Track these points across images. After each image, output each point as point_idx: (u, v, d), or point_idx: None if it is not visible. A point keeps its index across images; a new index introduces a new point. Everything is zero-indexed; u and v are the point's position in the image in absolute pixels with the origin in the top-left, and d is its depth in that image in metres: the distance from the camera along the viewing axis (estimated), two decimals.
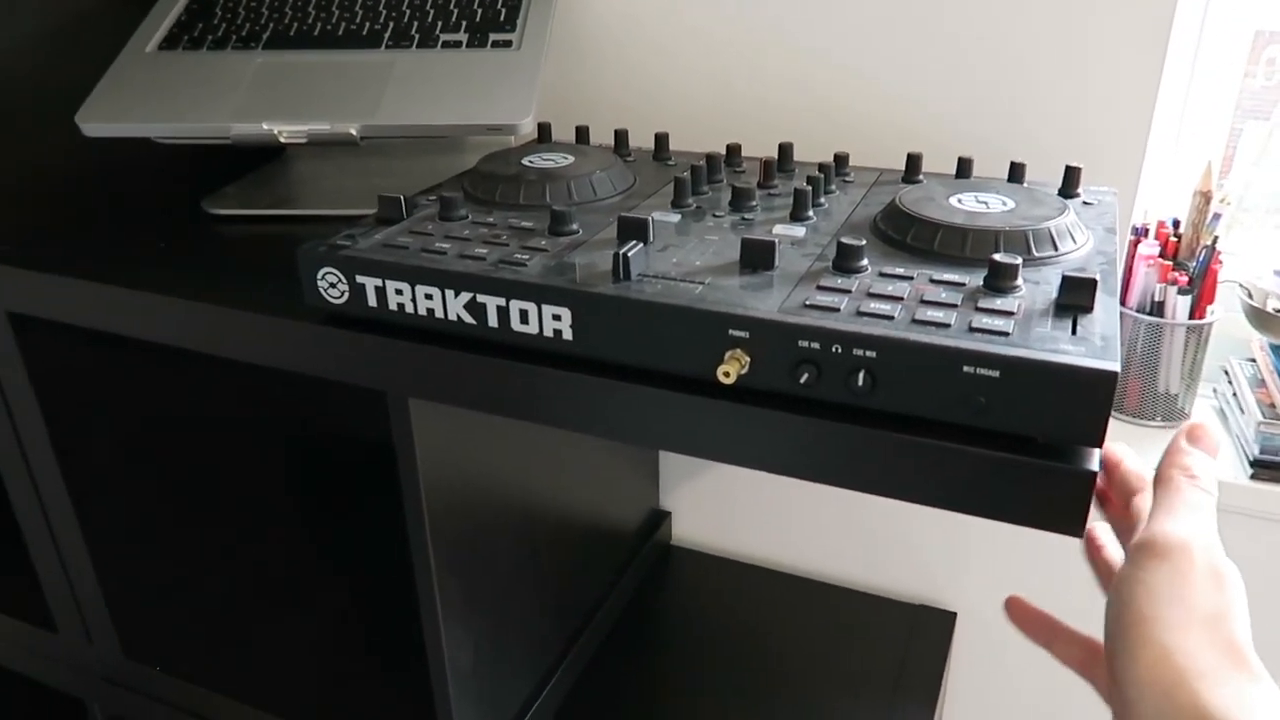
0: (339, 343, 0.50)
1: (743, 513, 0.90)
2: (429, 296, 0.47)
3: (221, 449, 0.83)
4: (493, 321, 0.46)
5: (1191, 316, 0.72)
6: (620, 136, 0.66)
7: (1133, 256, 0.73)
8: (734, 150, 0.63)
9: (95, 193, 0.70)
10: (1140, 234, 0.74)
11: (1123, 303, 0.74)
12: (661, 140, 0.64)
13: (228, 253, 0.61)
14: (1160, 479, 0.37)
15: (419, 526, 0.55)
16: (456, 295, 0.46)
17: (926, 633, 0.82)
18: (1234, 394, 0.75)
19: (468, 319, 0.47)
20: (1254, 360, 0.76)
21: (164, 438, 0.77)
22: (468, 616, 0.60)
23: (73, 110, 0.67)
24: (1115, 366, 0.36)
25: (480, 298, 0.46)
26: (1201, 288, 0.72)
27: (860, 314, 0.40)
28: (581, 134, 0.66)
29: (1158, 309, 0.72)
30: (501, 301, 0.45)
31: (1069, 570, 0.79)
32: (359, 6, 0.69)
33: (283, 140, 0.60)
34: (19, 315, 0.62)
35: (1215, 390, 0.79)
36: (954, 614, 0.84)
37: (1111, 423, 0.76)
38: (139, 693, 0.76)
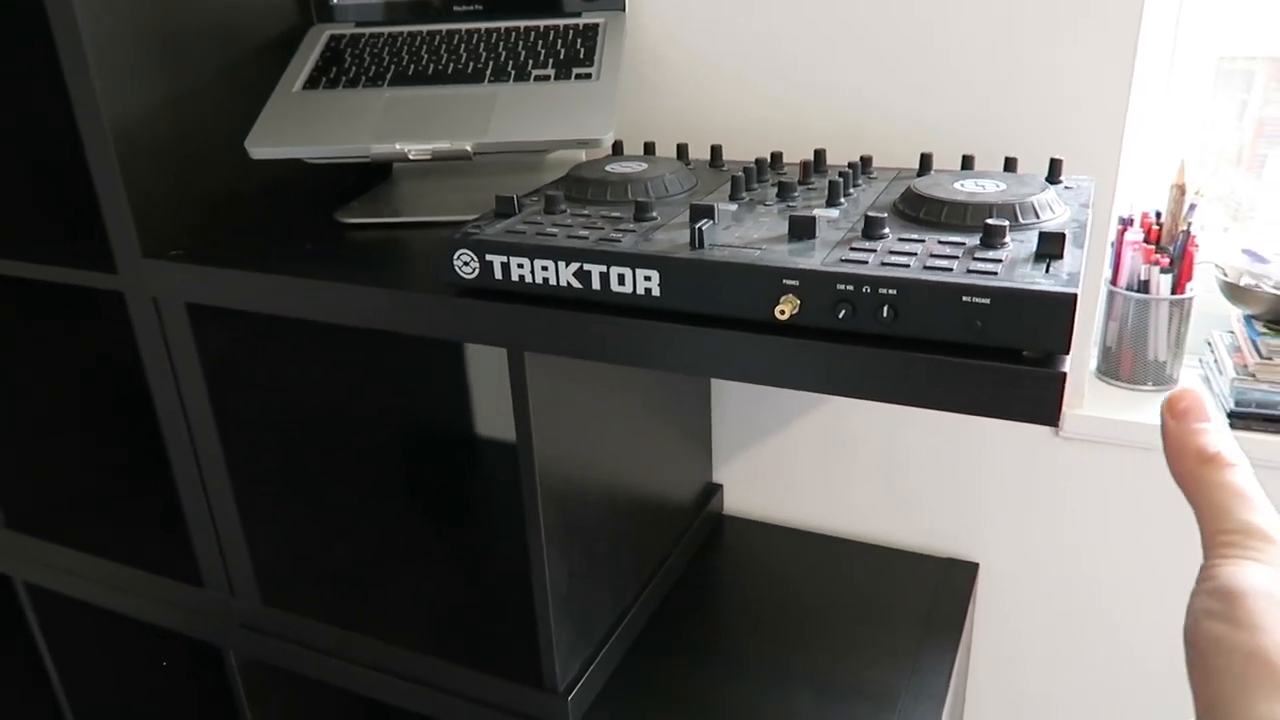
0: (470, 310, 0.63)
1: (786, 483, 1.02)
2: (545, 268, 0.60)
3: (349, 425, 0.96)
4: (596, 285, 0.59)
5: (1173, 292, 0.84)
6: (681, 149, 0.79)
7: (1121, 243, 0.85)
8: (777, 157, 0.76)
9: (241, 207, 0.85)
10: (1127, 224, 0.86)
11: (1113, 283, 0.86)
12: (716, 150, 0.77)
13: (362, 250, 0.75)
14: (1187, 478, 0.30)
15: (529, 462, 0.67)
16: (567, 265, 0.59)
17: (951, 583, 0.93)
18: (1214, 360, 0.86)
19: (575, 284, 0.60)
20: (1232, 332, 0.87)
21: (304, 413, 0.90)
22: (564, 546, 0.73)
23: (228, 140, 0.82)
24: (1075, 291, 0.48)
25: (586, 266, 0.59)
26: (1180, 267, 0.83)
27: (884, 264, 0.53)
28: (649, 148, 0.80)
29: (1144, 287, 0.84)
30: (603, 268, 0.58)
31: (1077, 517, 0.90)
32: (463, 50, 0.83)
33: (411, 157, 0.74)
34: (194, 305, 0.76)
35: (1200, 360, 0.90)
36: (976, 564, 0.95)
37: (1108, 388, 0.87)
38: (275, 637, 0.89)
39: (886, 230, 0.58)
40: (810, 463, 1.00)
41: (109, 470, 1.14)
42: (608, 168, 0.72)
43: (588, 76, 0.79)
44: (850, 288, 0.52)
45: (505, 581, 0.90)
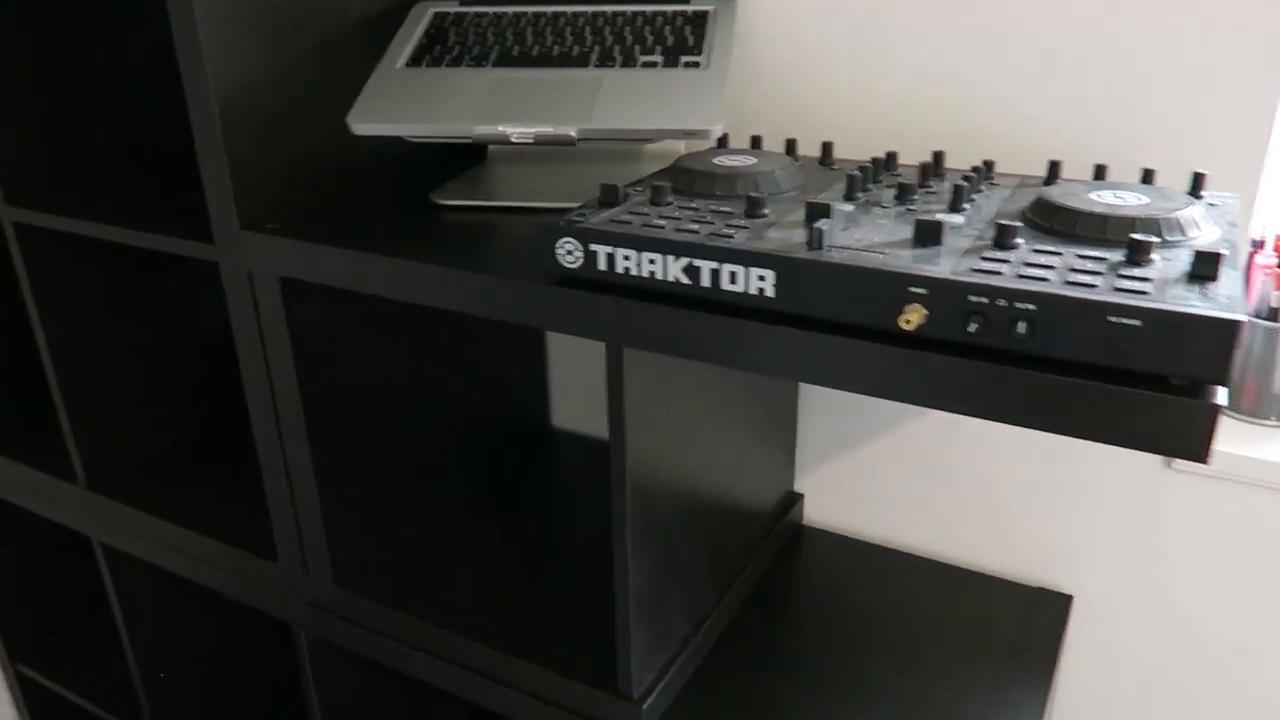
0: (572, 301, 0.61)
1: (870, 496, 0.98)
2: (652, 261, 0.58)
3: (425, 409, 0.95)
4: (705, 282, 0.56)
5: None
6: (790, 144, 0.76)
7: (1250, 267, 0.80)
8: (891, 156, 0.72)
9: (334, 184, 0.84)
10: (1258, 246, 0.81)
11: None
12: (827, 147, 0.74)
13: (458, 233, 0.74)
14: None
15: (620, 459, 0.65)
16: (677, 259, 0.57)
17: (1043, 614, 0.89)
18: None
19: (684, 280, 0.57)
20: None
21: (384, 394, 0.89)
22: (648, 547, 0.70)
23: (328, 115, 0.81)
24: (1240, 317, 0.44)
25: (697, 262, 0.56)
26: None
27: (1020, 276, 0.49)
28: (755, 141, 0.77)
29: (1273, 315, 0.79)
30: (715, 265, 0.56)
31: (1185, 556, 0.85)
32: (569, 34, 0.81)
33: (513, 140, 0.72)
34: (288, 280, 0.76)
35: None
36: (1069, 596, 0.90)
37: (1227, 421, 0.82)
38: (345, 619, 0.88)
39: (1019, 240, 0.54)
40: (897, 476, 0.97)
41: (189, 437, 1.15)
42: (715, 160, 0.70)
43: (696, 65, 0.76)
44: (984, 300, 0.49)
45: (579, 580, 0.88)
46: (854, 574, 0.95)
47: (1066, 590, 0.91)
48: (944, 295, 0.50)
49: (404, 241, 0.71)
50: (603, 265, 0.60)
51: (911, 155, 0.85)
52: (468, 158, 0.92)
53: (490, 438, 1.07)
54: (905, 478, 0.96)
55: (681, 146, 0.86)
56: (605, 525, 0.97)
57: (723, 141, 0.77)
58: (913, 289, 0.50)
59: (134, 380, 1.09)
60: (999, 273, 0.50)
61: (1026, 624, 0.87)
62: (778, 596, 0.91)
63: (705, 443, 0.78)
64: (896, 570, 0.95)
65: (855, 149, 0.87)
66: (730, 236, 0.57)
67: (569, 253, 0.61)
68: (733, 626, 0.87)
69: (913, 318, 0.50)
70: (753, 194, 0.62)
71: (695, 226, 0.59)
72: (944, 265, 0.51)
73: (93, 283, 1.02)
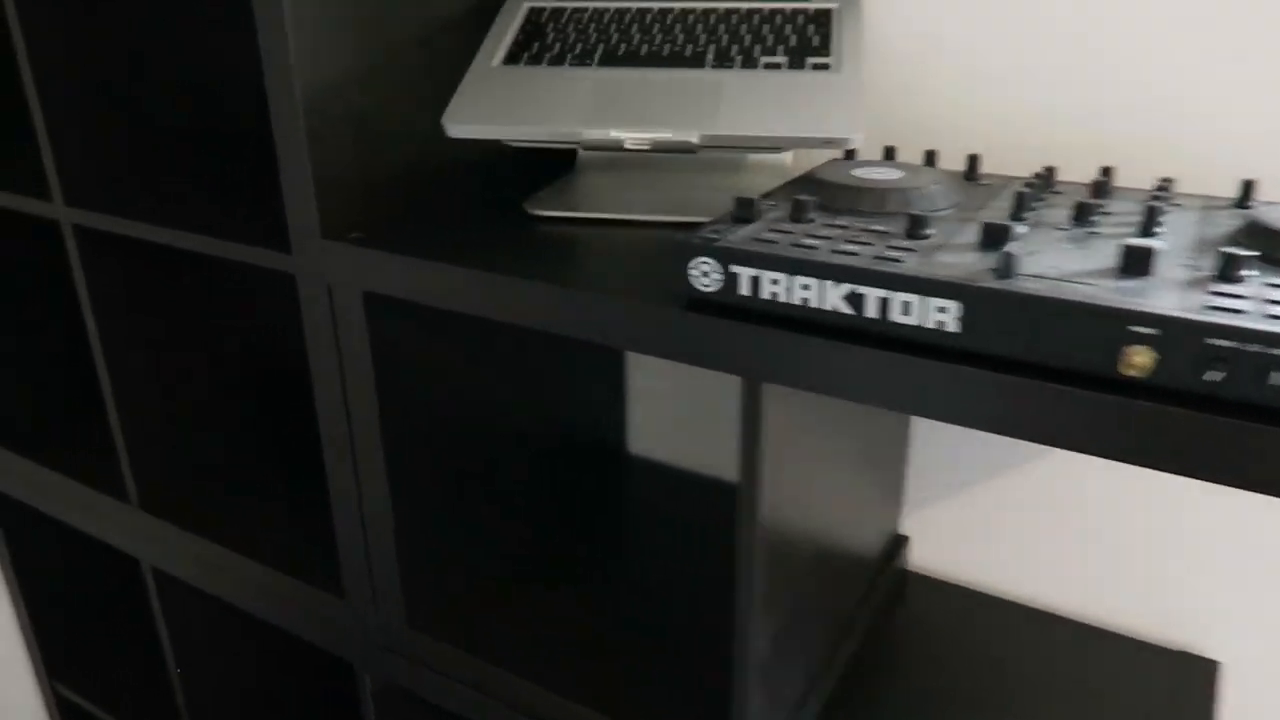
0: (710, 330, 0.54)
1: (984, 542, 0.90)
2: (806, 287, 0.50)
3: (503, 435, 0.88)
4: (871, 312, 0.49)
5: None
6: (929, 156, 0.68)
7: None
8: (1050, 171, 0.65)
9: (420, 190, 0.77)
10: None
11: None
12: (974, 160, 0.67)
13: (559, 247, 0.67)
14: None
15: (752, 508, 0.58)
16: (837, 285, 0.49)
17: (1187, 681, 0.80)
18: None
19: (845, 309, 0.50)
20: None
21: (462, 419, 0.82)
22: (773, 605, 0.63)
23: (416, 116, 0.74)
24: None
25: (860, 289, 0.49)
26: None
27: (1269, 317, 0.41)
28: (889, 152, 0.70)
29: None
30: (884, 293, 0.48)
31: None
32: (679, 31, 0.74)
33: (626, 146, 0.65)
34: (372, 294, 0.69)
35: None
36: (1216, 663, 0.81)
37: None
38: (418, 663, 0.81)
39: (1247, 272, 0.46)
40: (1016, 521, 0.88)
41: (251, 458, 1.09)
42: (853, 172, 0.62)
43: (825, 67, 0.69)
44: (1230, 343, 0.41)
45: (678, 628, 0.80)
46: (969, 627, 0.87)
47: (1211, 655, 0.82)
48: (1178, 337, 0.42)
49: (502, 256, 0.64)
50: (745, 289, 0.52)
51: (1067, 171, 0.77)
52: (548, 165, 0.85)
53: (566, 465, 1.00)
54: (1025, 522, 0.88)
55: (788, 158, 0.78)
56: (700, 566, 0.90)
57: (849, 153, 0.70)
58: (1138, 328, 0.42)
59: (192, 394, 1.03)
60: (1241, 311, 0.42)
61: (1174, 692, 0.78)
62: (888, 652, 0.83)
63: (825, 484, 0.70)
64: (1015, 625, 0.86)
65: (996, 163, 0.79)
66: (898, 260, 0.49)
67: (704, 274, 0.53)
68: (842, 685, 0.79)
69: (1142, 362, 0.42)
70: (913, 212, 0.54)
71: (853, 248, 0.51)
72: (1168, 301, 0.43)
73: (152, 291, 0.97)
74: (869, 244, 0.52)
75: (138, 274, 0.95)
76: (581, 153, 0.78)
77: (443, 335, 0.78)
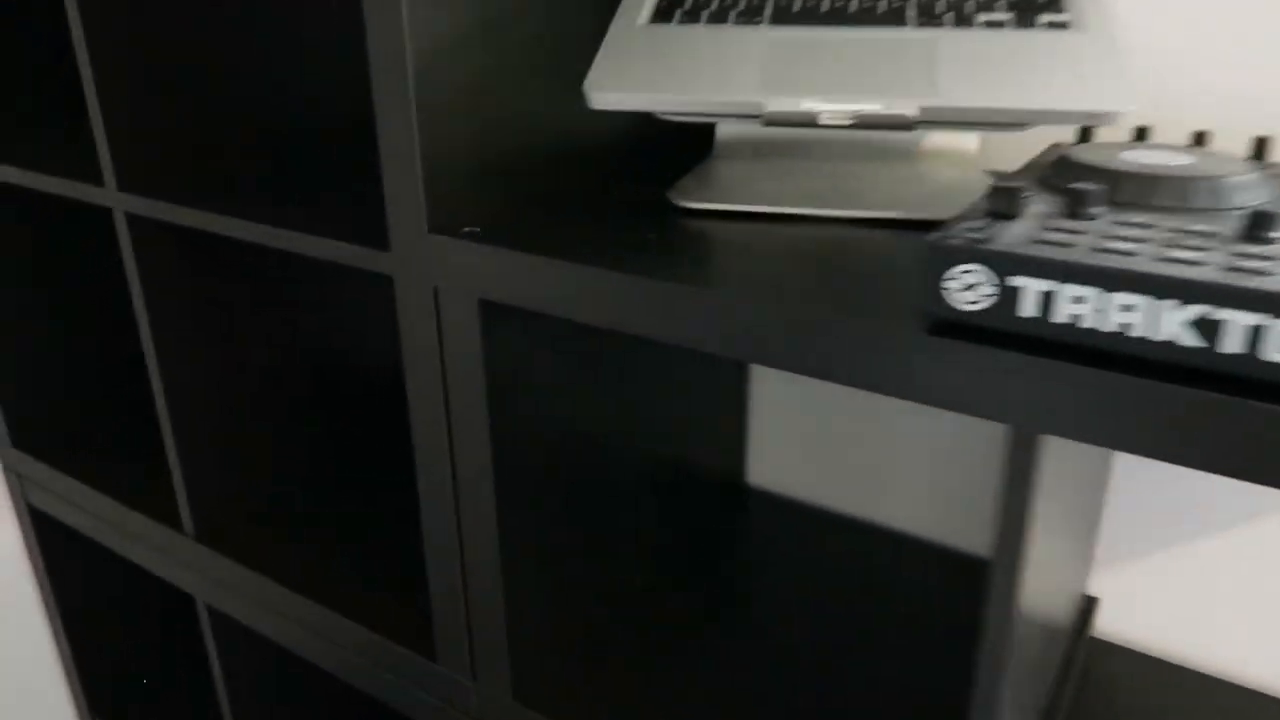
0: (970, 360, 0.40)
1: (1193, 608, 0.75)
2: (1127, 308, 0.37)
3: (613, 465, 0.75)
4: (1232, 346, 0.35)
5: None
6: (1199, 137, 0.54)
7: None
8: None
9: (542, 175, 0.65)
10: None
11: None
12: (1263, 143, 0.52)
13: (726, 250, 0.53)
14: None
15: (1009, 585, 0.44)
16: (1181, 308, 0.35)
17: None
18: None
19: (1187, 341, 0.36)
20: None
21: (574, 448, 0.69)
22: (1017, 692, 0.49)
23: (543, 84, 0.62)
24: None
25: (1220, 314, 0.35)
26: None
27: None
28: (1141, 133, 0.56)
29: None
30: (1259, 319, 0.34)
31: None
32: None
33: (822, 121, 0.52)
34: (488, 302, 0.56)
35: None
36: None
37: None
38: None
39: None
40: (1231, 587, 0.73)
41: (326, 485, 0.97)
42: (1124, 156, 0.48)
43: (1062, 25, 0.55)
44: None
45: (812, 686, 0.67)
46: (1181, 709, 0.72)
47: None
48: None
49: (663, 260, 0.51)
50: (1030, 309, 0.38)
51: None
52: (677, 147, 0.72)
53: (684, 501, 0.86)
54: (1242, 589, 0.73)
55: (974, 143, 0.64)
56: (840, 617, 0.76)
57: (1085, 132, 0.56)
58: None
59: (257, 413, 0.91)
60: None
61: None
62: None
63: (1051, 548, 0.56)
64: (1230, 706, 0.72)
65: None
66: (1270, 274, 0.35)
67: (966, 286, 0.40)
68: None
69: None
70: (1251, 208, 0.40)
71: (1186, 254, 0.37)
72: None
73: (213, 293, 0.85)
74: (1202, 250, 0.38)
75: (197, 272, 0.83)
76: (721, 132, 0.64)
77: (559, 351, 0.65)
